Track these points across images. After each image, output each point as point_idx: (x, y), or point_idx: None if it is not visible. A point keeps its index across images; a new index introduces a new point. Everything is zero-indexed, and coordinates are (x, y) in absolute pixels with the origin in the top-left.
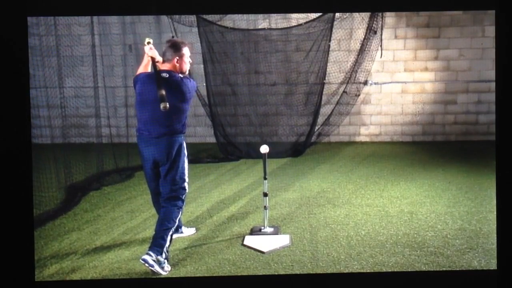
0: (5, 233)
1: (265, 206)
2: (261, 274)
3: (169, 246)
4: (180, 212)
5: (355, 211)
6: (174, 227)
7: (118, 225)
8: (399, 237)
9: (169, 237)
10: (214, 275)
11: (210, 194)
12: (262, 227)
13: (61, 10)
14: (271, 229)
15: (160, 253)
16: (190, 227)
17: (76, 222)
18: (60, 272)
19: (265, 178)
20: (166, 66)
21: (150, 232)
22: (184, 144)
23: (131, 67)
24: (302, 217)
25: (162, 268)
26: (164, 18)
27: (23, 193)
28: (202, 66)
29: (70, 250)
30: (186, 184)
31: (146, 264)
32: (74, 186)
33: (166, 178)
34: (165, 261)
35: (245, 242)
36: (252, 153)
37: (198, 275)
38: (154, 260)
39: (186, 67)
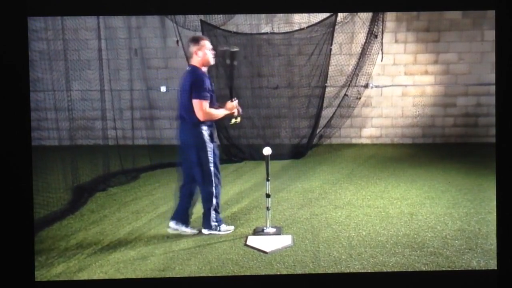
0: (5, 234)
1: (267, 207)
2: (263, 274)
3: (216, 208)
4: (212, 188)
5: (356, 212)
6: (211, 198)
7: (123, 225)
8: (399, 237)
9: (211, 207)
10: (218, 274)
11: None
12: (265, 228)
13: (62, 10)
14: (274, 230)
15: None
16: (229, 225)
17: (82, 223)
18: (67, 271)
19: (267, 180)
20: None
21: (155, 232)
22: (203, 134)
23: (137, 70)
24: (304, 218)
25: (219, 230)
26: (169, 23)
27: (23, 195)
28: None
29: (77, 250)
30: (210, 165)
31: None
32: (80, 187)
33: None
34: (218, 222)
35: (248, 242)
36: (255, 155)
37: (202, 274)
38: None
39: (208, 57)
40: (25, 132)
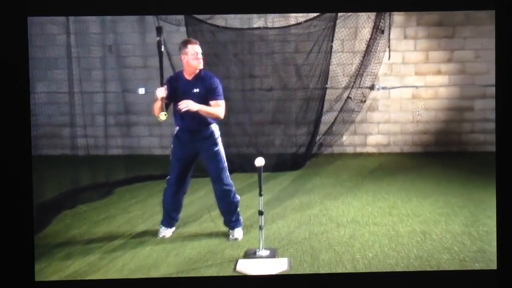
0: (5, 234)
1: (260, 226)
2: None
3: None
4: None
5: (361, 231)
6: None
7: (94, 248)
8: (411, 260)
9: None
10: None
11: (198, 213)
12: (257, 250)
13: (62, 10)
14: (267, 252)
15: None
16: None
17: (46, 246)
18: None
19: (260, 195)
20: None
21: (130, 256)
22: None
23: (111, 70)
24: (302, 238)
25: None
26: (149, 17)
27: (23, 194)
28: None
29: (40, 277)
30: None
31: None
32: (44, 205)
33: None
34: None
35: (238, 268)
36: (246, 166)
37: None
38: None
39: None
40: (24, 132)
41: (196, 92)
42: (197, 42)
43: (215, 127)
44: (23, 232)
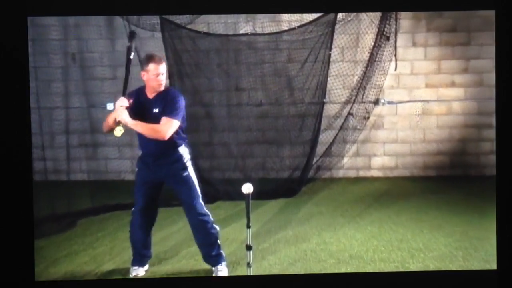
0: (5, 234)
1: (248, 263)
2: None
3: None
4: None
5: (366, 268)
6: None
7: None
8: None
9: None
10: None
11: (177, 247)
12: None
13: (62, 10)
14: None
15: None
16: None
17: None
18: None
19: (248, 226)
20: None
21: None
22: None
23: (74, 82)
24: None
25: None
26: (118, 21)
27: (23, 194)
28: (168, 81)
29: None
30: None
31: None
32: None
33: None
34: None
35: None
36: (232, 193)
37: None
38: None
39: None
40: (25, 129)
41: (156, 112)
42: (162, 61)
43: (183, 150)
44: (23, 233)
